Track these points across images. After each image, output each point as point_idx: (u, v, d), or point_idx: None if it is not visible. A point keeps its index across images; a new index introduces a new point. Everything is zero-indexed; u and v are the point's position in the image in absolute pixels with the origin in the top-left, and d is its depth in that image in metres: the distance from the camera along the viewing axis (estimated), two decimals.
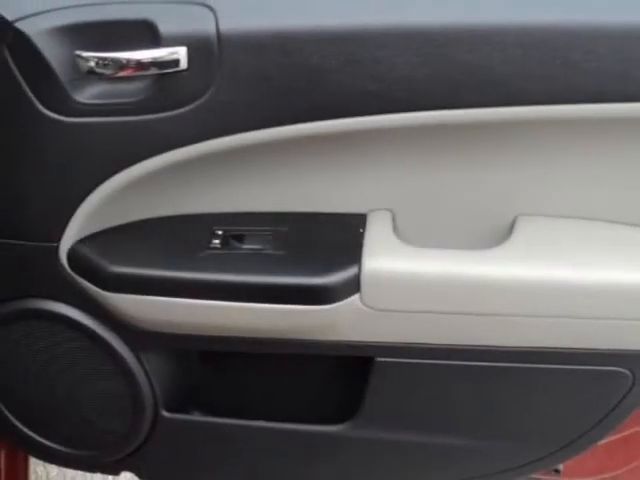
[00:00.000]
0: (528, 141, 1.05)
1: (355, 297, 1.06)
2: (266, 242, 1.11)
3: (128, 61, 0.98)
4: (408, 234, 1.11)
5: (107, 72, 0.99)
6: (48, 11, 0.99)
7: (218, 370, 1.27)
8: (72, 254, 1.11)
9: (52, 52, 0.98)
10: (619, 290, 1.03)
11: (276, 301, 1.08)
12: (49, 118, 1.01)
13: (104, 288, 1.11)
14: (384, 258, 1.06)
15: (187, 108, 1.00)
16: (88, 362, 1.19)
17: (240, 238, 1.12)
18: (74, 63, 0.99)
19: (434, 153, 1.06)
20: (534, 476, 1.38)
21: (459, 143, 1.05)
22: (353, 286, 1.06)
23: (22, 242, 1.11)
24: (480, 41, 0.94)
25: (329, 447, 1.24)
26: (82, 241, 1.11)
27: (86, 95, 1.01)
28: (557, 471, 1.42)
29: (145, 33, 0.97)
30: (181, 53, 0.97)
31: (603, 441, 1.20)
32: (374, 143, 1.06)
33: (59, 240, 1.10)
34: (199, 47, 0.97)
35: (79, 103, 1.01)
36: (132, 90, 1.00)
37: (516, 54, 0.95)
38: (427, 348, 1.11)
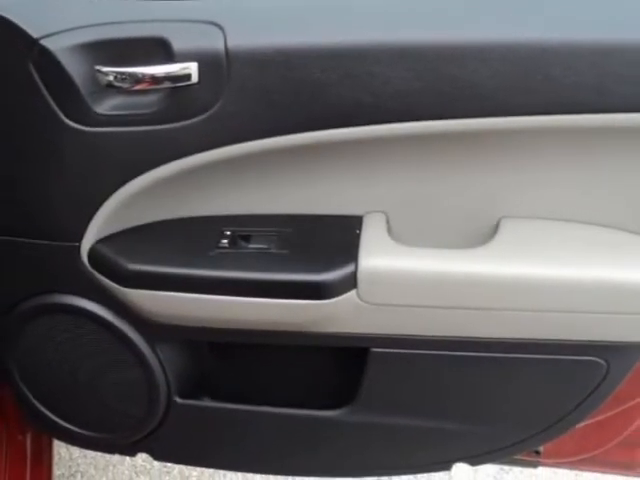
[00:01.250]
0: (512, 149, 1.05)
1: (352, 292, 1.07)
2: (271, 242, 1.11)
3: (144, 75, 0.98)
4: (401, 234, 1.11)
5: (124, 86, 0.99)
6: (70, 29, 0.99)
7: (227, 360, 1.28)
8: (92, 253, 1.11)
9: (74, 67, 0.99)
10: (595, 286, 1.03)
11: (280, 296, 1.08)
12: (71, 128, 1.02)
13: (122, 284, 1.11)
14: (379, 257, 1.07)
15: (198, 119, 1.00)
16: (108, 353, 1.20)
17: (247, 238, 1.12)
18: (94, 77, 0.99)
19: (425, 160, 1.07)
20: (516, 457, 1.37)
21: (449, 151, 1.05)
22: (350, 282, 1.06)
23: (47, 242, 1.11)
24: (468, 57, 0.95)
25: (329, 430, 1.24)
26: (102, 241, 1.11)
27: (105, 107, 1.01)
28: (538, 452, 1.42)
29: (159, 50, 0.98)
30: (192, 68, 0.97)
31: (580, 425, 1.21)
32: (370, 151, 1.06)
33: (80, 240, 1.10)
34: (209, 62, 0.97)
35: (99, 114, 1.01)
36: (147, 102, 1.01)
37: (501, 69, 0.95)
38: (418, 339, 1.11)
